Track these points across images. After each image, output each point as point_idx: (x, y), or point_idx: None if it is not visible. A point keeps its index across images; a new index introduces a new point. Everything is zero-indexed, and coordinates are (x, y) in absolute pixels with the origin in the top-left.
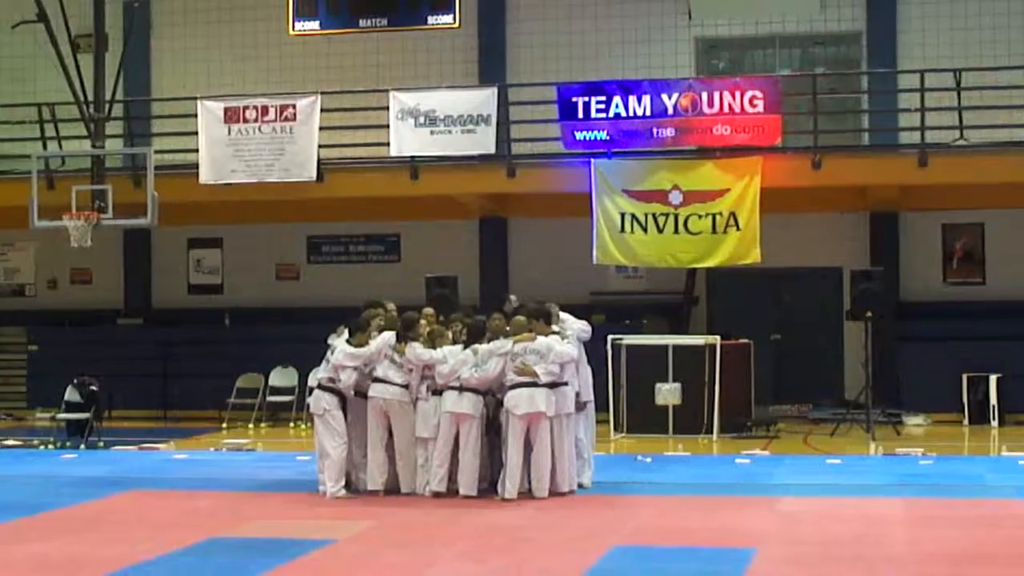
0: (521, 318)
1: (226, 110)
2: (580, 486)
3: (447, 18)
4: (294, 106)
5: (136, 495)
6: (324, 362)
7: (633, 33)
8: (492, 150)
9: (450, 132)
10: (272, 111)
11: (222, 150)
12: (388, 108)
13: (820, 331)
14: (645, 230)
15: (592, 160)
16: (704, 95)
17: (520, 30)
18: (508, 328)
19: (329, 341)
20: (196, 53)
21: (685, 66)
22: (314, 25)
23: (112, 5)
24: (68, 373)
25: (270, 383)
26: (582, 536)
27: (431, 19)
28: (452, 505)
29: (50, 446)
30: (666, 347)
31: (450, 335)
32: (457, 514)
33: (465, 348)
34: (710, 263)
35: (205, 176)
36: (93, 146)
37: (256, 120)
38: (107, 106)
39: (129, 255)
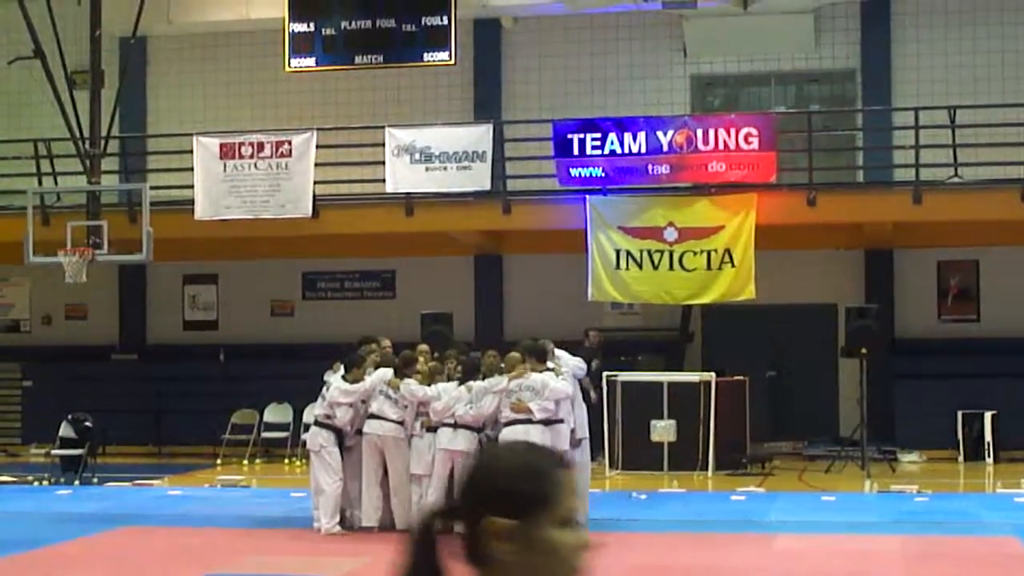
0: (516, 354)
1: (222, 146)
2: None
3: (443, 55)
4: (290, 142)
5: (130, 531)
6: (320, 398)
7: (628, 70)
8: (487, 187)
9: (445, 168)
10: (268, 147)
11: (217, 186)
12: (384, 145)
13: (815, 368)
14: (640, 267)
15: (587, 196)
16: (699, 132)
17: (516, 67)
18: (503, 365)
19: (325, 378)
20: (192, 89)
21: (680, 103)
22: (310, 62)
23: (108, 42)
24: (63, 409)
25: (265, 419)
26: None
27: (427, 56)
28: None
29: (44, 482)
30: (661, 384)
31: (446, 372)
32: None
33: (460, 385)
34: (705, 300)
35: (200, 212)
36: (89, 182)
37: (252, 156)
38: (103, 142)
39: (124, 291)
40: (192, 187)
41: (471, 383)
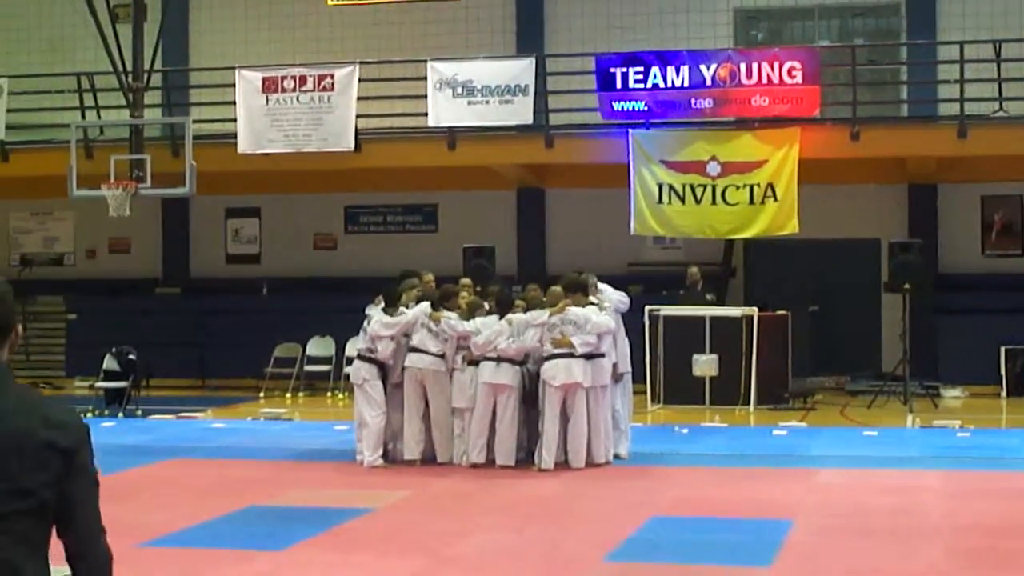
0: (558, 288)
1: (264, 80)
2: (617, 457)
3: None
4: (332, 76)
5: (174, 463)
6: (362, 332)
7: (672, 3)
8: (530, 120)
9: (488, 102)
10: (310, 81)
11: (260, 120)
12: (426, 78)
13: (858, 303)
14: (683, 201)
15: (630, 131)
16: (743, 66)
17: (558, 0)
18: (544, 299)
19: (367, 311)
20: (235, 23)
21: (724, 37)
22: None
23: None
24: (106, 342)
25: (307, 352)
26: (619, 507)
27: None
28: (488, 475)
29: (89, 415)
30: (703, 318)
31: (487, 306)
32: (493, 484)
33: (500, 319)
34: (748, 234)
35: (243, 146)
36: (132, 116)
37: (294, 90)
38: (146, 76)
39: (167, 225)
40: (235, 121)
41: (512, 316)
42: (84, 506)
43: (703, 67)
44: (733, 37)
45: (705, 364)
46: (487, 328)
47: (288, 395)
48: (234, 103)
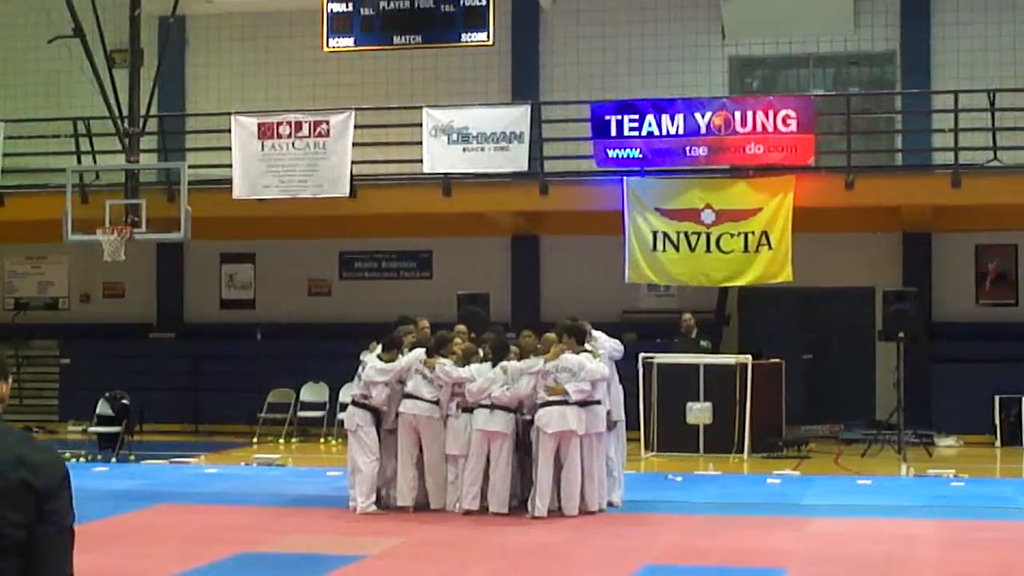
0: (552, 335)
1: (260, 126)
2: (610, 504)
3: (481, 35)
4: (327, 122)
5: (167, 509)
6: (356, 378)
7: (667, 52)
8: (525, 167)
9: (483, 149)
10: (306, 127)
11: (255, 165)
12: (421, 125)
13: (852, 351)
14: (677, 249)
15: (624, 178)
16: (737, 114)
17: (553, 48)
18: (539, 346)
19: (361, 357)
20: (231, 69)
21: (718, 85)
22: (348, 42)
23: (148, 20)
24: (100, 387)
25: (301, 398)
26: (612, 555)
27: (465, 36)
28: (482, 522)
29: (82, 459)
30: (697, 366)
31: (481, 353)
32: (487, 531)
33: (494, 366)
34: (742, 282)
35: (238, 191)
36: (127, 161)
37: (289, 136)
38: (141, 121)
39: (162, 269)
40: (230, 166)
41: (506, 364)
42: (50, 551)
43: (698, 115)
44: (728, 85)
45: (699, 412)
46: (481, 375)
47: (281, 441)
48: (230, 149)
